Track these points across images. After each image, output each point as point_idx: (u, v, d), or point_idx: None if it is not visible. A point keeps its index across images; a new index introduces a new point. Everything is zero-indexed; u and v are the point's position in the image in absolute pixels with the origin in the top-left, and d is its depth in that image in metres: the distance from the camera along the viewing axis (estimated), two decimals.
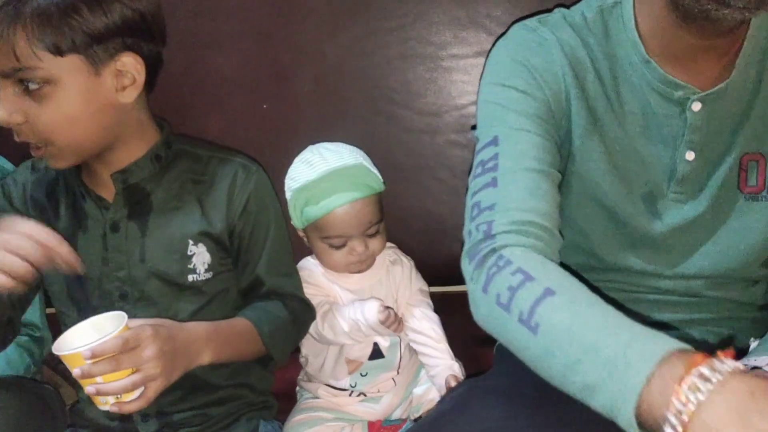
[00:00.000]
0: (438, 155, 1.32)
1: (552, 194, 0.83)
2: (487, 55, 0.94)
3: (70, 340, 0.85)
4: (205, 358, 0.93)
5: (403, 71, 1.28)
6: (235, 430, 1.06)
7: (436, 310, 1.23)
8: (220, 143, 1.15)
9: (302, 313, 1.10)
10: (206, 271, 1.02)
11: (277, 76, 1.29)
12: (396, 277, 1.22)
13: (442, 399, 1.05)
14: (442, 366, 1.15)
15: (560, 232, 0.83)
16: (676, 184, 0.88)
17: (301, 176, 1.14)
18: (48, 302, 1.07)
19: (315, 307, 1.13)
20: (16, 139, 0.89)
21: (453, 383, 1.12)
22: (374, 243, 1.16)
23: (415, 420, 1.14)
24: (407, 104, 1.30)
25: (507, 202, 0.80)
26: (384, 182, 1.20)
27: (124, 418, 1.02)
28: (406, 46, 1.27)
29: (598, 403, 0.63)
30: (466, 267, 0.80)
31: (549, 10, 0.94)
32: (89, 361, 0.80)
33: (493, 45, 0.94)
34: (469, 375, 1.20)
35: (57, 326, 1.05)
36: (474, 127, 0.93)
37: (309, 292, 1.14)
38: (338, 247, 1.14)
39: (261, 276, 1.06)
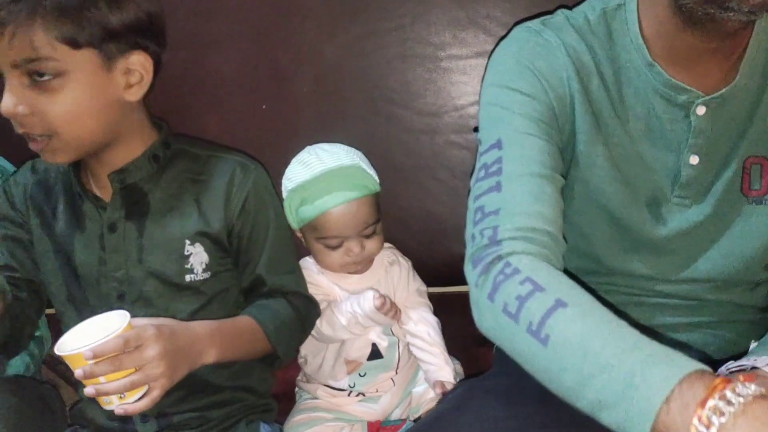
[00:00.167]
0: (437, 155, 1.32)
1: (556, 199, 0.82)
2: (489, 57, 0.94)
3: (71, 340, 0.85)
4: (210, 357, 0.92)
5: (403, 72, 1.28)
6: None
7: (435, 311, 1.23)
8: (219, 143, 1.15)
9: (306, 309, 1.09)
10: (204, 271, 1.01)
11: (276, 76, 1.29)
12: (394, 277, 1.22)
13: (442, 399, 1.06)
14: (432, 370, 1.15)
15: (563, 237, 0.82)
16: (680, 189, 0.88)
17: (297, 176, 1.15)
18: (48, 302, 1.07)
19: None
20: (18, 130, 0.88)
21: (438, 389, 1.12)
22: (371, 244, 1.16)
23: (415, 420, 1.14)
24: (406, 105, 1.30)
25: (512, 207, 0.79)
26: (383, 183, 1.20)
27: (124, 419, 1.01)
28: (405, 47, 1.27)
29: (610, 419, 0.62)
30: (470, 272, 0.79)
31: (550, 12, 0.94)
32: (91, 362, 0.80)
33: (496, 46, 0.94)
34: (468, 375, 1.20)
35: (57, 326, 1.04)
36: (476, 129, 0.92)
37: (309, 290, 1.14)
38: (334, 248, 1.14)
39: (262, 275, 1.06)
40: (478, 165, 0.87)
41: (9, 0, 0.83)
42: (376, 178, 1.19)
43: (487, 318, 0.76)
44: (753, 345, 0.85)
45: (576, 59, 0.87)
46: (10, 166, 1.21)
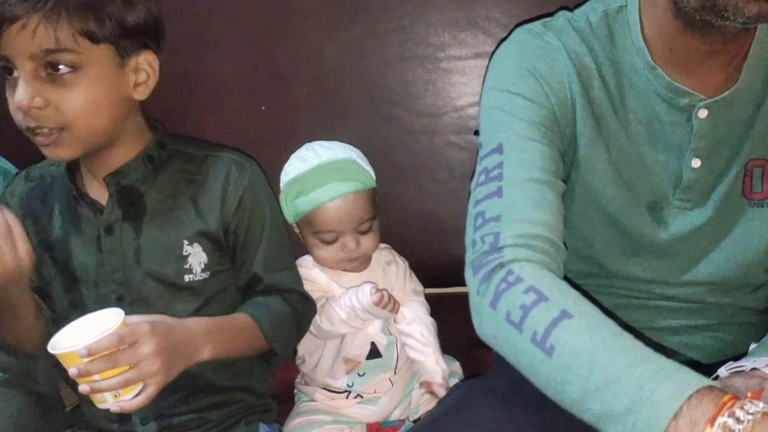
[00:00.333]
0: (437, 156, 1.32)
1: (557, 205, 0.82)
2: (490, 59, 0.93)
3: (65, 339, 0.84)
4: (205, 353, 0.92)
5: (402, 72, 1.28)
6: None
7: (434, 311, 1.23)
8: (216, 143, 1.14)
9: (303, 307, 1.09)
10: (203, 271, 1.01)
11: (275, 77, 1.29)
12: (391, 277, 1.22)
13: (441, 400, 1.06)
14: (422, 370, 1.16)
15: (564, 243, 0.82)
16: (681, 192, 0.88)
17: (294, 170, 1.16)
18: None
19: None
20: (28, 124, 0.88)
21: (424, 389, 1.13)
22: (366, 241, 1.16)
23: (414, 421, 1.14)
24: (406, 105, 1.30)
25: (513, 213, 0.79)
26: (382, 183, 1.20)
27: (123, 421, 1.01)
28: (405, 48, 1.27)
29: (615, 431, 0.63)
30: (471, 279, 0.79)
31: (549, 13, 0.94)
32: (85, 360, 0.80)
33: (496, 47, 0.94)
34: (468, 376, 1.20)
35: (57, 329, 1.04)
36: (476, 132, 0.92)
37: (307, 288, 1.14)
38: (329, 243, 1.14)
39: (258, 273, 1.06)
40: (478, 169, 0.86)
41: None
42: (373, 174, 1.19)
43: (489, 325, 0.76)
44: (753, 346, 0.85)
45: (577, 62, 0.87)
46: (12, 168, 1.20)
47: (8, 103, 0.91)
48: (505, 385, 0.87)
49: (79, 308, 1.01)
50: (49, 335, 0.87)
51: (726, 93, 0.82)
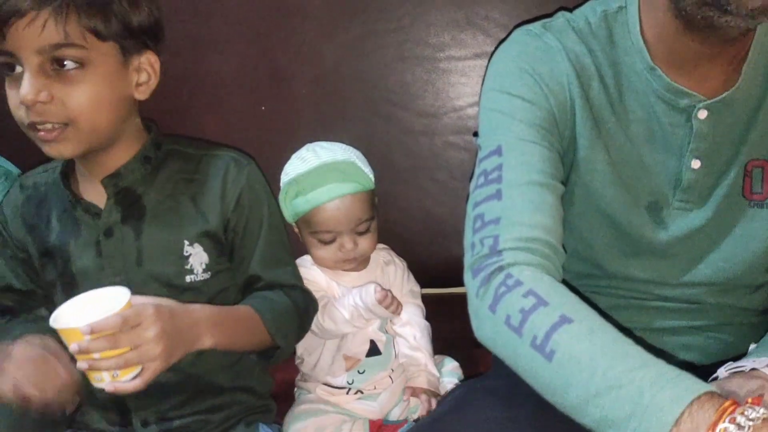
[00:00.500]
0: (436, 156, 1.32)
1: (556, 208, 0.82)
2: (489, 59, 0.93)
3: (67, 314, 0.83)
4: (207, 342, 0.91)
5: (402, 73, 1.28)
6: None
7: (434, 312, 1.23)
8: (214, 142, 1.14)
9: (305, 303, 1.09)
10: (204, 271, 1.01)
11: (275, 77, 1.29)
12: (390, 277, 1.23)
13: (442, 400, 1.06)
14: (410, 374, 1.17)
15: (563, 245, 0.82)
16: (681, 193, 0.88)
17: (293, 170, 1.17)
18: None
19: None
20: (32, 118, 0.88)
21: (406, 395, 1.14)
22: (364, 241, 1.16)
23: (416, 420, 1.14)
24: (405, 106, 1.30)
25: (512, 216, 0.79)
26: (382, 184, 1.20)
27: (124, 424, 1.01)
28: (404, 48, 1.27)
29: None
30: (470, 282, 0.79)
31: (549, 14, 0.93)
32: (87, 338, 0.79)
33: (495, 48, 0.93)
34: (467, 376, 1.20)
35: None
36: (476, 134, 0.92)
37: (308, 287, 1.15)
38: (327, 243, 1.15)
39: (257, 271, 1.05)
40: (477, 171, 0.86)
41: None
42: (372, 176, 1.19)
43: (488, 329, 0.76)
44: (752, 347, 0.85)
45: (577, 63, 0.87)
46: (14, 168, 1.20)
47: (8, 100, 0.90)
48: (505, 385, 0.87)
49: None
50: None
51: (726, 94, 0.82)
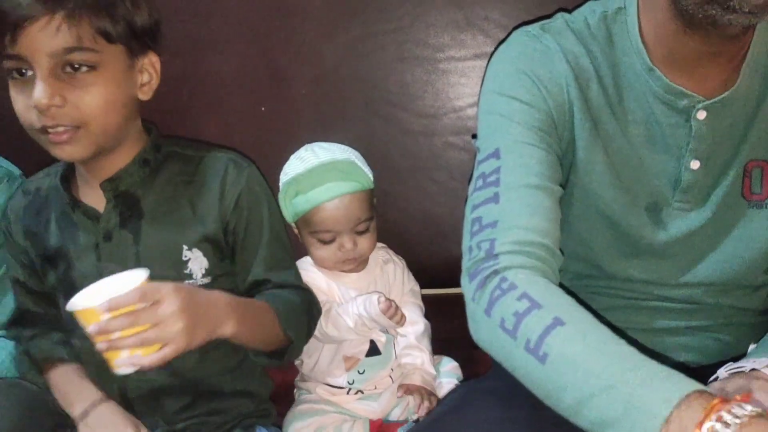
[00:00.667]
0: (435, 157, 1.32)
1: (553, 211, 0.82)
2: (488, 61, 0.93)
3: (84, 299, 0.81)
4: (228, 328, 0.88)
5: (401, 73, 1.29)
6: None
7: (433, 312, 1.23)
8: (214, 144, 1.14)
9: (310, 302, 1.09)
10: (204, 275, 1.00)
11: (275, 77, 1.29)
12: (389, 276, 1.23)
13: (442, 400, 1.06)
14: (405, 372, 1.17)
15: (561, 249, 0.82)
16: (680, 194, 0.87)
17: (293, 170, 1.17)
18: None
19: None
20: (45, 122, 0.88)
21: (400, 393, 1.14)
22: (363, 241, 1.16)
23: (415, 421, 1.14)
24: (405, 106, 1.30)
25: (509, 220, 0.79)
26: (381, 184, 1.20)
27: None
28: (404, 49, 1.27)
29: None
30: (467, 286, 0.79)
31: (548, 14, 0.93)
32: (106, 316, 0.77)
33: (495, 49, 0.93)
34: (467, 377, 1.21)
35: (68, 336, 1.05)
36: (474, 136, 0.92)
37: None
38: (327, 243, 1.15)
39: (262, 275, 1.04)
40: (475, 173, 0.86)
41: None
42: (371, 175, 1.19)
43: (484, 332, 0.76)
44: (752, 347, 0.85)
45: (575, 65, 0.87)
46: (15, 169, 1.20)
47: (14, 104, 0.90)
48: (505, 385, 0.86)
49: None
50: None
51: (725, 94, 0.82)
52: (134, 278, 0.82)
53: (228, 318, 0.89)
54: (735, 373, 0.77)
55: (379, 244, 1.25)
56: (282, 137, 1.29)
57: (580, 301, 0.73)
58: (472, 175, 0.88)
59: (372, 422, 1.16)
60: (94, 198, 0.99)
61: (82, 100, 0.88)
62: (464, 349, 1.22)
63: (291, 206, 1.15)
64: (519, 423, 0.81)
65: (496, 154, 0.84)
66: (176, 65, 1.24)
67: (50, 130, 0.88)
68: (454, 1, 1.25)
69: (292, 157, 1.20)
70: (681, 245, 0.89)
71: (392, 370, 1.19)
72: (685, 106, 0.83)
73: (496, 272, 0.76)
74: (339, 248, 1.15)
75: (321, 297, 1.15)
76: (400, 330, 1.20)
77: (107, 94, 0.90)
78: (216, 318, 0.87)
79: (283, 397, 1.21)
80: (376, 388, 1.18)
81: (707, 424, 0.57)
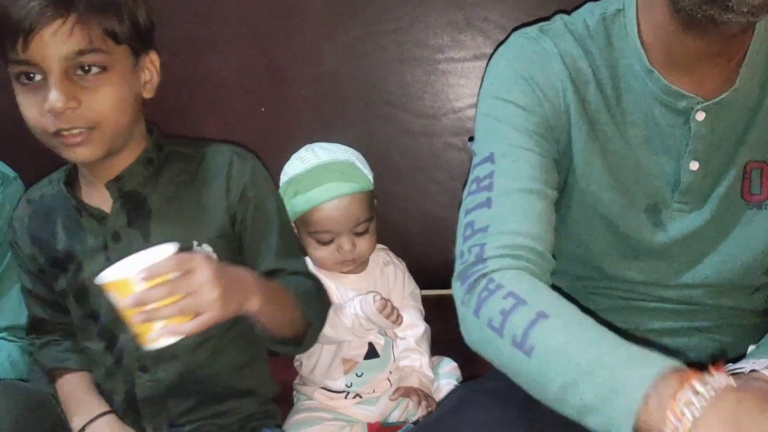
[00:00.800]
0: (435, 157, 1.32)
1: (546, 215, 0.83)
2: (488, 62, 0.93)
3: (117, 271, 0.80)
4: (255, 303, 0.88)
5: (401, 74, 1.29)
6: None
7: (433, 313, 1.23)
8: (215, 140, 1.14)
9: (322, 288, 1.09)
10: None
11: (274, 78, 1.29)
12: (389, 278, 1.23)
13: (441, 401, 1.06)
14: (403, 375, 1.17)
15: (561, 250, 0.83)
16: (680, 195, 0.87)
17: (292, 170, 1.17)
18: None
19: None
20: (60, 125, 0.88)
21: (396, 394, 1.15)
22: (362, 242, 1.17)
23: (414, 423, 1.14)
24: (404, 107, 1.30)
25: (500, 225, 0.80)
26: (381, 184, 1.20)
27: (137, 430, 1.02)
28: (403, 49, 1.27)
29: (596, 423, 0.64)
30: (457, 290, 0.81)
31: (548, 15, 0.93)
32: (142, 286, 0.77)
33: (494, 51, 0.93)
34: (466, 378, 1.21)
35: (77, 339, 1.06)
36: (471, 139, 0.93)
37: None
38: (326, 243, 1.15)
39: (274, 264, 1.04)
40: (471, 177, 0.87)
41: None
42: (371, 177, 1.19)
43: (474, 333, 0.78)
44: (751, 348, 0.85)
45: (572, 67, 0.87)
46: (10, 171, 1.20)
47: (24, 109, 0.90)
48: (504, 386, 0.86)
49: (94, 318, 1.01)
50: None
51: (723, 95, 0.82)
52: (163, 251, 0.81)
53: (255, 292, 0.88)
54: (734, 374, 0.77)
55: (380, 246, 1.25)
56: (282, 137, 1.29)
57: (578, 303, 0.74)
58: (467, 178, 0.88)
59: (370, 425, 1.16)
60: (99, 200, 1.00)
61: (96, 101, 0.89)
62: (464, 350, 1.21)
63: (290, 206, 1.15)
64: (518, 424, 0.81)
65: (490, 159, 0.85)
66: (176, 65, 1.24)
67: (65, 132, 0.88)
68: (454, 2, 1.25)
69: (293, 157, 1.20)
70: (680, 246, 0.89)
71: (390, 373, 1.19)
72: (684, 108, 0.83)
73: (484, 275, 0.77)
74: (337, 249, 1.15)
75: None
76: (399, 333, 1.21)
77: (118, 93, 0.91)
78: (245, 291, 0.87)
79: (282, 398, 1.21)
80: (374, 391, 1.18)
81: (683, 396, 0.58)
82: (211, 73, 1.29)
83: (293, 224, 1.19)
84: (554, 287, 0.78)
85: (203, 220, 1.00)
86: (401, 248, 1.30)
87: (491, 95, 0.89)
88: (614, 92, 0.87)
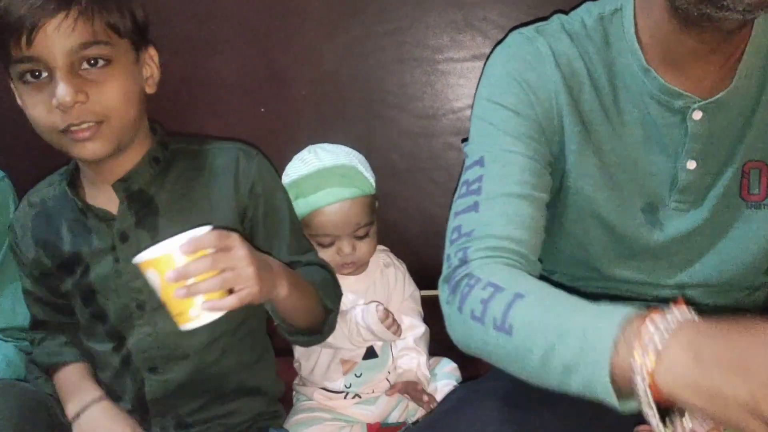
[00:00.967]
0: (434, 158, 1.32)
1: (533, 219, 0.84)
2: (485, 61, 0.94)
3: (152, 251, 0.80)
4: (283, 289, 0.89)
5: (400, 74, 1.29)
6: None
7: (432, 313, 1.23)
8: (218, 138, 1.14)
9: (335, 277, 1.09)
10: None
11: (274, 78, 1.29)
12: (390, 280, 1.23)
13: (440, 402, 1.06)
14: (398, 374, 1.18)
15: (552, 255, 0.84)
16: (677, 194, 0.88)
17: (294, 172, 1.17)
18: None
19: None
20: (69, 121, 0.87)
21: (390, 391, 1.16)
22: (362, 246, 1.17)
23: (413, 423, 1.15)
24: (404, 107, 1.30)
25: (485, 229, 0.82)
26: (381, 185, 1.20)
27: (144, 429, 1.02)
28: (403, 50, 1.28)
29: (578, 384, 0.66)
30: (443, 292, 0.83)
31: (546, 16, 0.93)
32: (183, 261, 0.77)
33: (492, 51, 0.94)
34: (466, 378, 1.21)
35: (84, 340, 1.06)
36: (465, 140, 0.93)
37: None
38: (326, 246, 1.16)
39: (291, 257, 1.04)
40: (461, 179, 0.88)
41: None
42: (373, 181, 1.19)
43: (459, 330, 0.80)
44: None
45: (566, 69, 0.87)
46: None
47: (30, 108, 0.90)
48: (504, 387, 0.87)
49: (101, 319, 1.01)
50: None
51: (720, 94, 0.82)
52: (200, 232, 0.81)
53: (282, 278, 0.90)
54: None
55: (381, 247, 1.25)
56: (281, 138, 1.29)
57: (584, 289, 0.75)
58: (458, 182, 0.89)
59: (370, 426, 1.16)
60: (105, 200, 0.99)
61: (103, 94, 0.89)
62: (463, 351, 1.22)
63: None
64: (518, 424, 0.81)
65: (480, 162, 0.86)
66: (176, 65, 1.24)
67: (74, 128, 0.88)
68: (453, 2, 1.25)
69: (295, 157, 1.20)
70: (678, 245, 0.90)
71: (389, 373, 1.19)
72: (681, 107, 0.83)
73: (466, 275, 0.79)
74: (337, 252, 1.15)
75: None
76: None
77: (124, 86, 0.91)
78: (274, 275, 0.89)
79: (282, 398, 1.21)
80: (373, 391, 1.18)
81: (645, 333, 0.61)
82: (211, 73, 1.29)
83: None
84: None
85: (211, 218, 0.98)
86: (401, 248, 1.30)
87: (484, 98, 0.90)
88: (611, 92, 0.87)
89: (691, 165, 0.86)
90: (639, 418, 0.73)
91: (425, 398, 1.13)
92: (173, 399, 1.02)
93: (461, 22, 1.26)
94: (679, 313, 0.62)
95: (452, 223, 0.86)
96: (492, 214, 0.82)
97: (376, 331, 1.11)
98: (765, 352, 0.56)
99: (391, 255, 1.27)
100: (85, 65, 0.88)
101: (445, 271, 0.84)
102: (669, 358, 0.59)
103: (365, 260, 1.20)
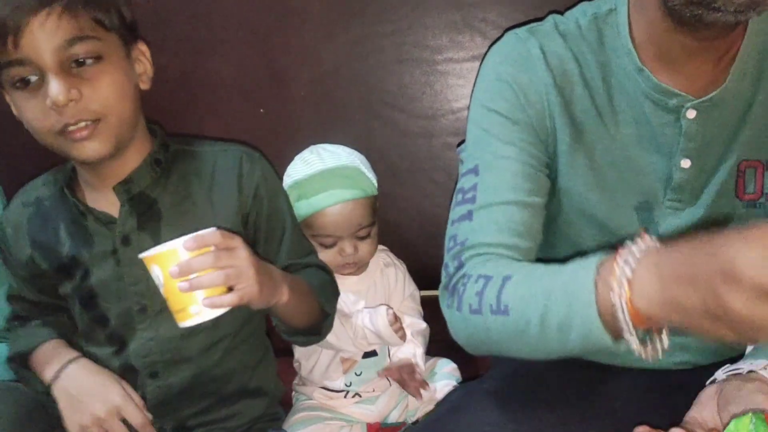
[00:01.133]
0: (434, 158, 1.32)
1: (526, 225, 0.85)
2: (482, 61, 0.94)
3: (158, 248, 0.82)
4: (284, 295, 0.91)
5: (399, 75, 1.29)
6: None
7: (432, 314, 1.23)
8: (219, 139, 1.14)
9: (333, 279, 1.10)
10: None
11: (273, 80, 1.29)
12: (390, 280, 1.23)
13: (440, 402, 1.06)
14: (396, 359, 1.18)
15: (550, 257, 0.84)
16: (672, 192, 0.88)
17: (296, 173, 1.17)
18: None
19: None
20: (66, 120, 0.87)
21: (381, 375, 1.17)
22: (364, 246, 1.17)
23: (413, 424, 1.15)
24: (403, 108, 1.30)
25: (477, 238, 0.84)
26: (380, 185, 1.20)
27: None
28: (402, 50, 1.28)
29: (576, 337, 0.69)
30: (443, 300, 0.86)
31: (545, 16, 0.93)
32: (187, 255, 0.79)
33: (488, 50, 0.94)
34: (466, 378, 1.21)
35: (83, 344, 1.04)
36: (462, 143, 0.94)
37: None
38: (328, 247, 1.16)
39: (291, 259, 1.05)
40: (458, 186, 0.90)
41: None
42: (375, 182, 1.20)
43: (461, 329, 0.83)
44: (749, 349, 0.85)
45: (558, 70, 0.87)
46: None
47: (26, 114, 0.89)
48: (503, 387, 0.88)
49: (102, 323, 1.00)
50: None
51: (714, 93, 0.82)
52: (204, 232, 0.83)
53: (283, 284, 0.91)
54: (732, 374, 0.77)
55: (381, 247, 1.25)
56: (281, 138, 1.29)
57: None
58: (455, 186, 0.91)
59: (370, 425, 1.16)
60: (105, 203, 0.98)
61: (97, 91, 0.88)
62: (463, 351, 1.22)
63: (294, 209, 1.14)
64: (517, 424, 0.81)
65: (475, 170, 0.88)
66: (176, 65, 1.24)
67: (71, 128, 0.87)
68: (452, 3, 1.25)
69: (297, 158, 1.20)
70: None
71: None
72: (675, 106, 0.84)
73: (461, 277, 0.83)
74: (339, 252, 1.15)
75: None
76: None
77: (118, 82, 0.90)
78: (275, 282, 0.90)
79: (281, 401, 1.21)
80: (374, 390, 1.19)
81: (615, 268, 0.65)
82: (211, 73, 1.29)
83: None
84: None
85: (214, 220, 0.98)
86: (401, 248, 1.30)
87: (478, 102, 0.92)
88: (605, 91, 0.87)
89: (686, 163, 0.86)
90: (639, 418, 0.73)
91: (417, 378, 1.13)
92: (174, 403, 1.01)
93: (460, 23, 1.26)
94: (643, 242, 0.66)
95: (449, 232, 0.89)
96: (484, 222, 0.85)
97: (384, 334, 1.11)
98: (708, 260, 0.59)
99: (391, 255, 1.28)
100: (76, 64, 0.87)
101: (444, 279, 0.87)
102: (639, 283, 0.63)
103: (366, 260, 1.20)
